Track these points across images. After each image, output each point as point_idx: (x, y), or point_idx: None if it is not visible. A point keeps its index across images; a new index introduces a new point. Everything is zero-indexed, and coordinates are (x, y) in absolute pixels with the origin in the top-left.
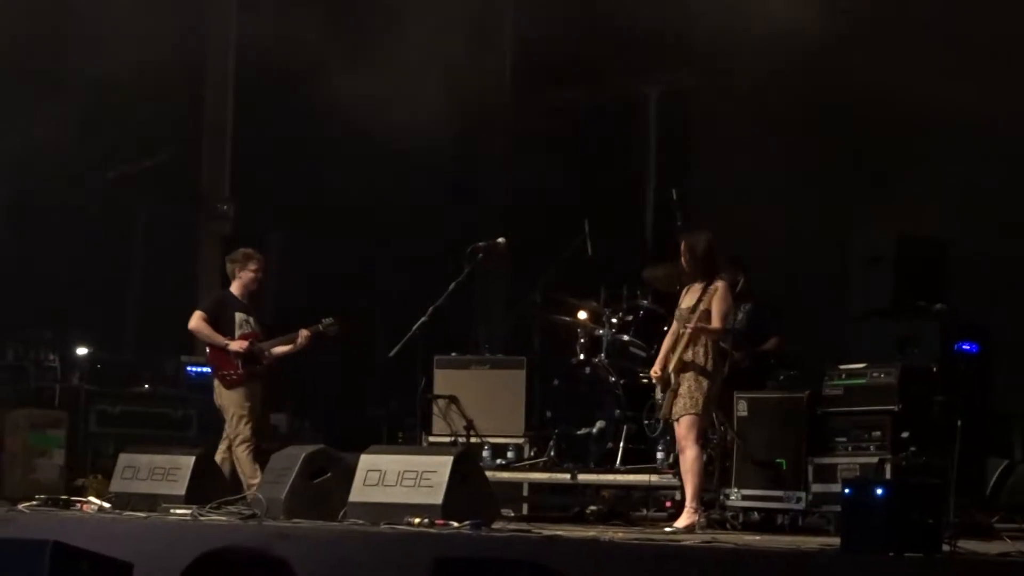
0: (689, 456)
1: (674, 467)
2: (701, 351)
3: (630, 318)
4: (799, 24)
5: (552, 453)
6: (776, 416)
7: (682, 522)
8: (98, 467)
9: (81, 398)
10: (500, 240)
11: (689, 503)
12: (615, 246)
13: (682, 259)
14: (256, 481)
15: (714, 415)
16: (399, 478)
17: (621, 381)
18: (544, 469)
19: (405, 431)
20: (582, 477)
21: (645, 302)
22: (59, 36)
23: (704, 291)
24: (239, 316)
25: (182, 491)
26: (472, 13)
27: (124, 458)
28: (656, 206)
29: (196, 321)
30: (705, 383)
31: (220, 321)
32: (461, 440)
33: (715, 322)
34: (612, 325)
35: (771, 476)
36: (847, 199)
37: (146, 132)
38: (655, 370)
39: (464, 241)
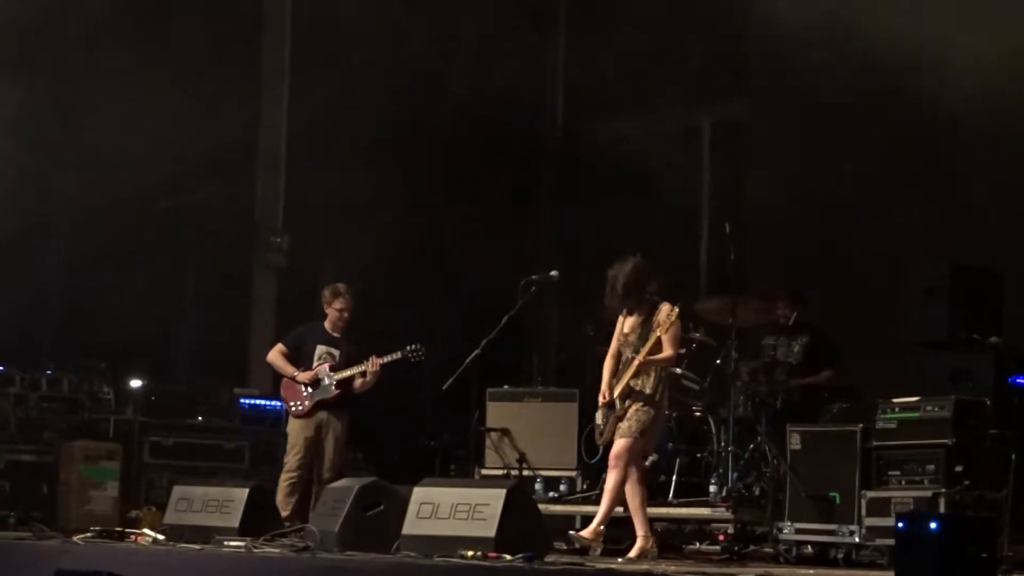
0: (615, 478)
1: (727, 500)
2: (651, 378)
3: (683, 351)
4: (853, 55)
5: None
6: (829, 449)
7: (587, 532)
8: (152, 499)
9: (135, 430)
10: (553, 273)
11: (596, 523)
12: (668, 279)
13: (608, 293)
14: (286, 513)
15: (767, 448)
16: (452, 511)
17: (674, 414)
18: (596, 502)
19: (457, 464)
20: None
21: (698, 334)
22: (116, 68)
23: (649, 316)
24: (320, 348)
25: (236, 523)
26: (531, 46)
27: (178, 490)
28: (710, 238)
29: (271, 353)
30: (652, 411)
31: (300, 353)
32: (514, 473)
33: (667, 349)
34: None
35: (824, 509)
36: (902, 230)
37: (200, 163)
38: (603, 394)
39: (517, 273)
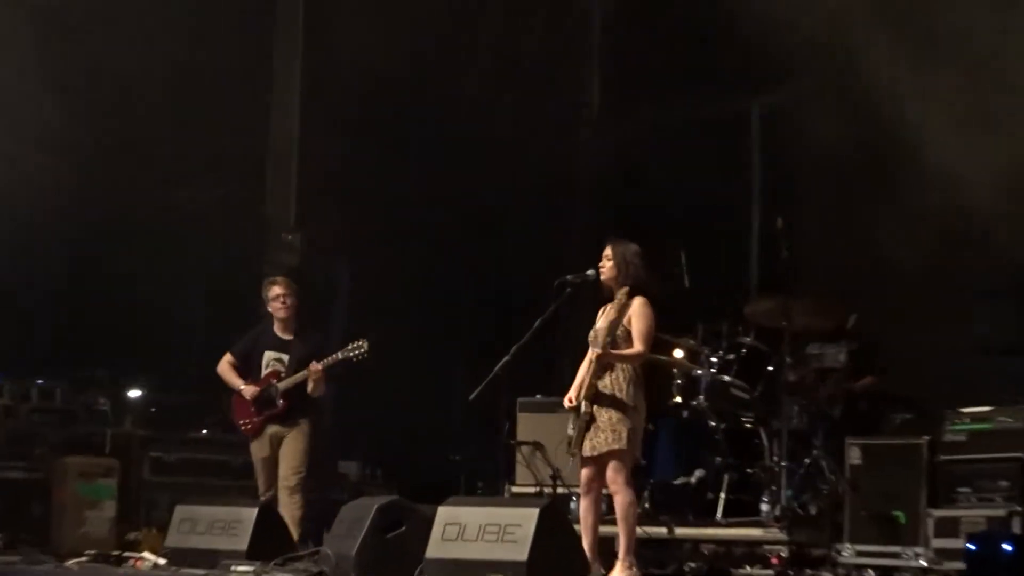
0: (623, 501)
1: (780, 520)
2: (620, 377)
3: (731, 357)
4: (906, 38)
5: (647, 505)
6: (893, 464)
7: (618, 572)
8: (152, 520)
9: (134, 444)
10: (589, 272)
11: (623, 557)
12: (715, 278)
13: (604, 263)
14: None
15: (824, 463)
16: (480, 532)
17: (722, 426)
18: (638, 522)
19: (486, 481)
20: (680, 531)
21: (748, 339)
22: (123, 65)
23: (622, 309)
24: (268, 355)
25: (244, 546)
26: (563, 28)
27: (181, 510)
28: (760, 235)
29: (220, 363)
30: (628, 414)
31: (249, 362)
32: (547, 490)
33: (637, 344)
34: (711, 364)
35: (887, 530)
36: (963, 229)
37: (210, 162)
38: (569, 398)
39: (551, 273)
